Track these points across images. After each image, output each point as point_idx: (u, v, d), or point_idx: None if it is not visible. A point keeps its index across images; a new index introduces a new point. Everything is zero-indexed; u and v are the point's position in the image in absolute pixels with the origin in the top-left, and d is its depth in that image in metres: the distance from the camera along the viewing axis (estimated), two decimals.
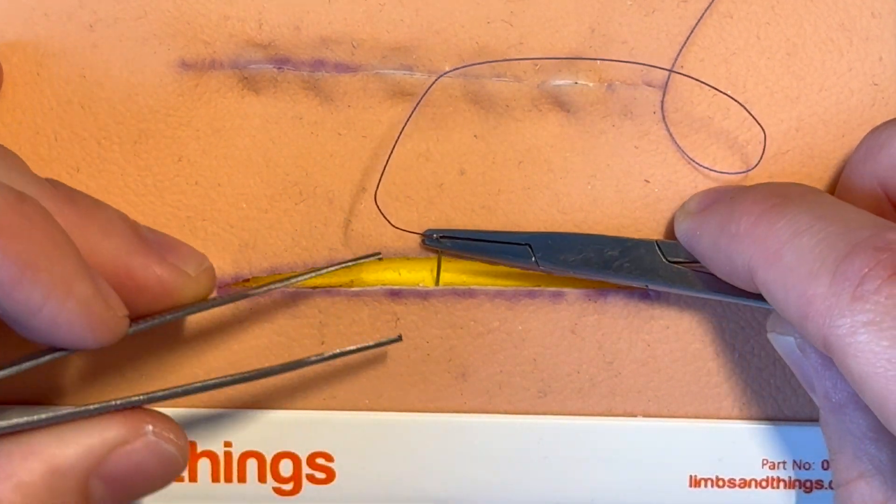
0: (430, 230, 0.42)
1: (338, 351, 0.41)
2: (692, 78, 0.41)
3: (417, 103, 0.41)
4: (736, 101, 0.41)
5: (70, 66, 0.41)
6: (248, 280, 0.42)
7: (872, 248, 0.32)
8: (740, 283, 0.37)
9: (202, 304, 0.39)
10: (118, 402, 0.35)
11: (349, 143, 0.41)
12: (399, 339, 0.42)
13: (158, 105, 0.41)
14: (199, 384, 0.37)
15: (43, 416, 0.34)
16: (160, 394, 0.36)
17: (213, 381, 0.37)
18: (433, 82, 0.41)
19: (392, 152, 0.41)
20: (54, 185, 0.35)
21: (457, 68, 0.41)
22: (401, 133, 0.41)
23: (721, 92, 0.41)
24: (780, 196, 0.36)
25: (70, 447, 0.34)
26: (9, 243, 0.31)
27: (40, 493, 0.33)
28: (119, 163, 0.41)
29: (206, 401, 0.43)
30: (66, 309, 0.32)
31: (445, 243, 0.41)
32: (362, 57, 0.41)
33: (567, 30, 0.41)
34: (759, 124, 0.41)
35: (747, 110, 0.41)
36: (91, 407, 0.35)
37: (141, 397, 0.36)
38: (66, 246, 0.33)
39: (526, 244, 0.41)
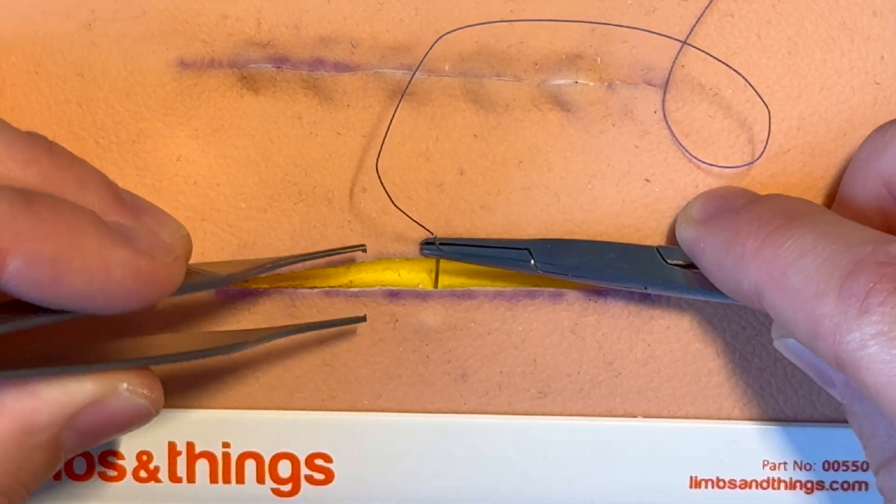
0: (427, 238, 0.42)
1: (302, 324, 0.41)
2: (704, 51, 0.41)
3: (414, 75, 0.41)
4: (740, 74, 0.41)
5: (68, 65, 0.41)
6: (246, 281, 0.42)
7: (875, 263, 0.32)
8: (746, 302, 0.37)
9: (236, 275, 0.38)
10: (95, 366, 0.35)
11: (348, 142, 0.41)
12: (364, 318, 0.42)
13: (157, 104, 0.41)
14: (174, 354, 0.37)
15: (16, 372, 0.33)
16: (137, 362, 0.36)
17: (186, 353, 0.37)
18: (433, 44, 0.41)
19: (391, 121, 0.41)
20: (32, 135, 0.34)
21: (457, 29, 0.41)
22: (400, 102, 0.41)
23: (728, 66, 0.41)
24: (785, 217, 0.36)
25: (43, 405, 0.34)
26: (31, 248, 0.31)
27: (11, 451, 0.33)
28: (117, 162, 0.41)
29: (205, 401, 0.43)
30: (114, 280, 0.32)
31: (444, 250, 0.41)
32: (361, 56, 0.41)
33: (567, 29, 0.41)
34: (762, 101, 0.41)
35: (751, 85, 0.41)
36: (67, 368, 0.34)
37: (117, 364, 0.35)
38: (88, 221, 0.32)
39: (525, 249, 0.41)
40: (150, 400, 0.36)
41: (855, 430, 0.38)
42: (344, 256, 0.42)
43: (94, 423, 0.35)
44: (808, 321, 0.33)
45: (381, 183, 0.41)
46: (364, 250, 0.42)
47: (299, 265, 0.42)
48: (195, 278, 0.37)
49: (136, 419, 0.36)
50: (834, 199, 0.41)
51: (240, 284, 0.42)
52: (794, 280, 0.34)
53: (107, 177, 0.36)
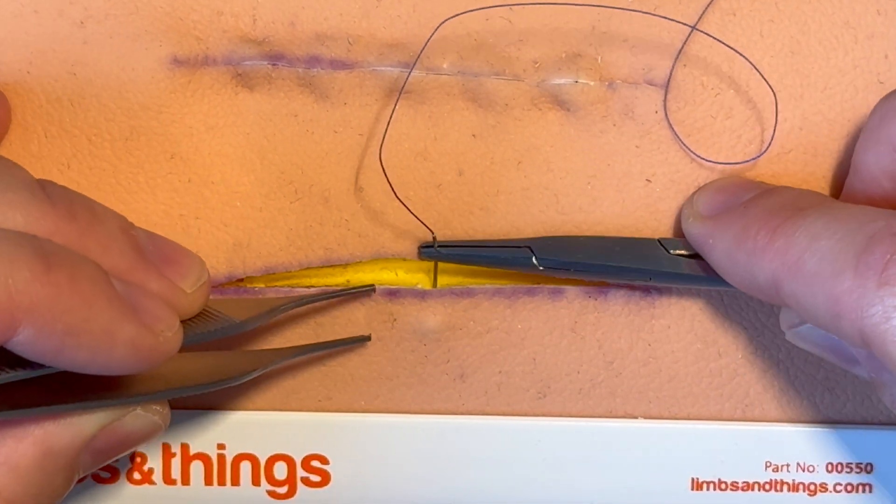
0: (426, 242, 0.42)
1: (308, 345, 0.43)
2: (713, 37, 0.41)
3: (412, 70, 0.42)
4: (745, 58, 0.41)
5: (60, 63, 0.41)
6: (241, 280, 0.43)
7: (890, 235, 0.33)
8: (761, 296, 0.38)
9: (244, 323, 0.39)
10: (111, 402, 0.36)
11: (345, 140, 0.42)
12: (368, 338, 0.43)
13: (150, 102, 0.42)
14: (191, 386, 0.38)
15: (35, 409, 0.35)
16: (153, 397, 0.37)
17: (202, 385, 0.39)
18: (435, 30, 0.42)
19: (392, 115, 0.42)
20: (50, 198, 0.35)
21: (459, 14, 0.41)
22: (399, 97, 0.42)
23: (734, 50, 0.41)
24: (794, 208, 0.37)
25: (63, 429, 0.35)
26: (44, 320, 0.31)
27: (33, 474, 0.35)
28: (110, 160, 0.42)
29: (199, 402, 0.43)
30: (114, 356, 0.33)
31: (443, 253, 0.42)
32: (358, 53, 0.41)
33: (567, 27, 0.41)
34: (769, 85, 0.41)
35: (757, 69, 0.41)
36: (85, 404, 0.35)
37: (134, 398, 0.37)
38: (102, 292, 0.33)
39: (526, 247, 0.41)
40: (162, 416, 0.38)
41: (887, 401, 0.39)
42: (342, 256, 0.43)
43: (110, 444, 0.37)
44: (828, 302, 0.34)
45: (385, 173, 0.42)
46: (374, 290, 0.43)
47: (295, 264, 0.43)
48: (209, 325, 0.38)
49: (149, 436, 0.38)
50: (837, 199, 0.42)
51: (235, 283, 0.43)
52: (810, 264, 0.34)
53: (127, 228, 0.37)
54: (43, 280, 0.31)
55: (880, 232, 0.33)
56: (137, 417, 0.37)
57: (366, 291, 0.43)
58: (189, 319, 0.38)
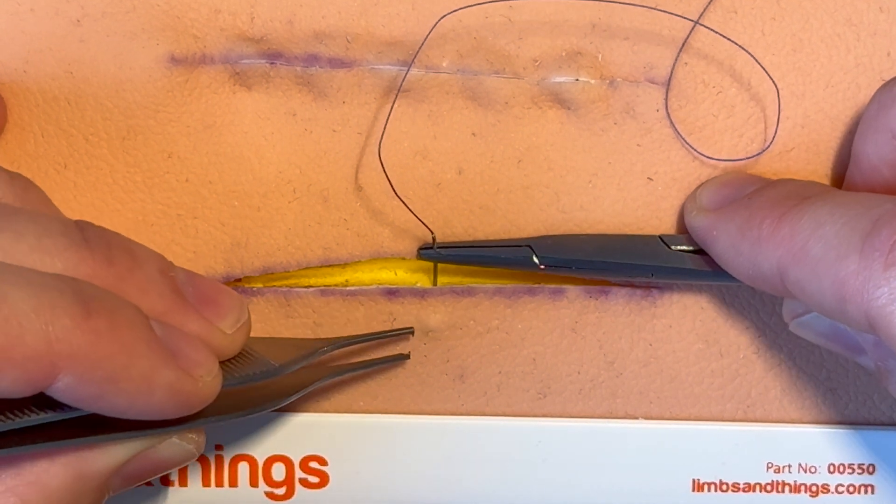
0: (426, 243, 0.42)
1: (345, 364, 0.43)
2: (717, 33, 0.41)
3: (411, 65, 0.42)
4: (749, 53, 0.41)
5: (57, 62, 0.41)
6: (239, 280, 0.43)
7: None
8: (766, 287, 0.38)
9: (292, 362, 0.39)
10: (148, 432, 0.36)
11: (344, 139, 0.42)
12: (407, 356, 0.43)
13: (147, 101, 0.42)
14: (227, 415, 0.38)
15: (69, 441, 0.35)
16: (190, 425, 0.37)
17: (239, 413, 0.38)
18: (434, 25, 0.42)
19: (390, 112, 0.42)
20: (88, 242, 0.34)
21: (458, 9, 0.41)
22: (397, 94, 0.42)
23: (736, 44, 0.41)
24: (799, 197, 0.37)
25: (96, 454, 0.35)
26: (84, 368, 0.31)
27: (62, 495, 0.34)
28: (107, 159, 0.42)
29: None
30: (153, 402, 0.33)
31: (443, 254, 0.42)
32: (357, 52, 0.42)
33: (568, 24, 0.41)
34: (772, 81, 0.41)
35: (760, 64, 0.41)
36: (121, 435, 0.35)
37: (171, 428, 0.36)
38: (141, 337, 0.33)
39: (527, 246, 0.41)
40: (197, 444, 0.38)
41: (893, 391, 0.38)
42: (341, 256, 0.43)
43: (143, 469, 0.37)
44: (833, 286, 0.34)
45: (385, 171, 0.42)
46: (412, 333, 0.43)
47: (293, 264, 0.43)
48: (247, 368, 0.38)
49: (182, 462, 0.38)
50: None
51: (233, 283, 0.43)
52: (815, 250, 0.35)
53: (166, 269, 0.37)
54: (83, 327, 0.31)
55: (886, 215, 0.33)
56: (172, 445, 0.37)
57: (405, 333, 0.43)
58: (228, 360, 0.38)
